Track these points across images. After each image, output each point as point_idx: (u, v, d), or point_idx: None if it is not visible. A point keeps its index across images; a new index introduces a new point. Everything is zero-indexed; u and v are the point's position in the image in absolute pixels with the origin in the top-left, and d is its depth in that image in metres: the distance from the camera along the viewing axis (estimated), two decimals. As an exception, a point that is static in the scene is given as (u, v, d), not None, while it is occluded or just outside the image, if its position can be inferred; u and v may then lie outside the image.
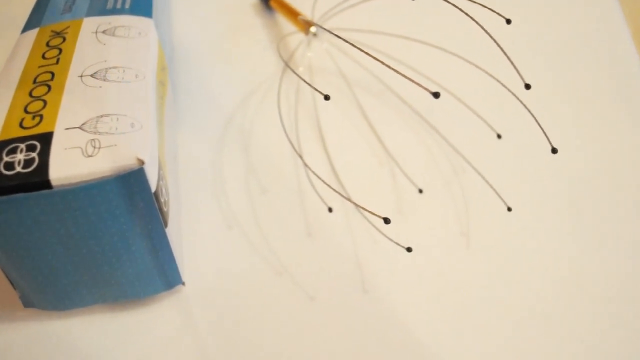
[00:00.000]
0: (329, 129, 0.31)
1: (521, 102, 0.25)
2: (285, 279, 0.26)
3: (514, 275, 0.25)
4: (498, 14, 0.23)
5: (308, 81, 0.33)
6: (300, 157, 0.26)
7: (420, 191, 0.28)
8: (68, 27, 0.25)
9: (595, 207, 0.27)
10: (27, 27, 0.26)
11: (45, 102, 0.21)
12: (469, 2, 0.30)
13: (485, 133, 0.31)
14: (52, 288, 0.23)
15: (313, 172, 0.25)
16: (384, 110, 0.32)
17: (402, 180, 0.29)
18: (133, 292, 0.24)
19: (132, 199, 0.20)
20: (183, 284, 0.25)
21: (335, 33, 0.31)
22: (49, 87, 0.22)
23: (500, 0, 0.38)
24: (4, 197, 0.19)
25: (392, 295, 0.25)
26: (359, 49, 0.22)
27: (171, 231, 0.23)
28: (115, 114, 0.21)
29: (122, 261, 0.22)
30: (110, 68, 0.23)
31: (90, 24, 0.26)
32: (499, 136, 0.31)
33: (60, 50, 0.24)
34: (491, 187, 0.28)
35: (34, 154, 0.20)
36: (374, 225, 0.27)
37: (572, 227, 0.27)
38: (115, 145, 0.20)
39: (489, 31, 0.24)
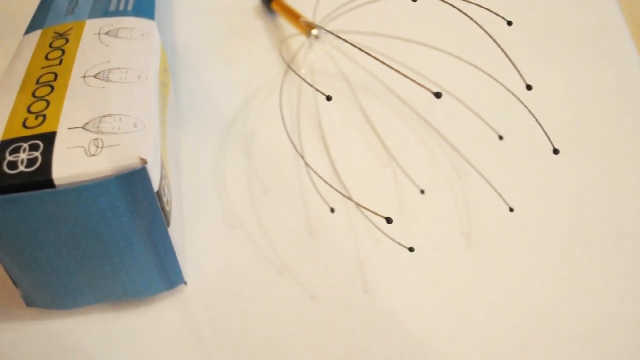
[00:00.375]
0: (330, 130, 0.31)
1: (522, 103, 0.25)
2: (287, 279, 0.26)
3: (515, 275, 0.25)
4: (499, 15, 0.23)
5: (310, 82, 0.33)
6: (302, 157, 0.26)
7: (422, 192, 0.29)
8: (71, 28, 0.26)
9: (596, 207, 0.27)
10: (30, 28, 0.26)
11: (48, 102, 0.22)
12: (470, 4, 0.30)
13: (486, 134, 0.31)
14: (54, 287, 0.23)
15: (315, 173, 0.26)
16: (385, 111, 0.32)
17: (404, 181, 0.29)
18: (135, 292, 0.24)
19: (135, 198, 0.20)
20: (185, 283, 0.25)
21: (337, 34, 0.31)
22: (52, 87, 0.22)
23: (501, 1, 0.38)
24: (7, 196, 0.19)
25: (394, 295, 0.25)
26: (360, 49, 0.22)
27: (173, 231, 0.23)
28: (118, 114, 0.21)
29: (124, 260, 0.22)
30: (112, 69, 0.23)
31: (93, 26, 0.26)
32: (500, 137, 0.31)
33: (63, 51, 0.24)
34: (493, 187, 0.28)
35: (37, 154, 0.20)
36: (375, 226, 0.27)
37: (573, 228, 0.27)
38: (118, 144, 0.20)
39: (490, 33, 0.25)
